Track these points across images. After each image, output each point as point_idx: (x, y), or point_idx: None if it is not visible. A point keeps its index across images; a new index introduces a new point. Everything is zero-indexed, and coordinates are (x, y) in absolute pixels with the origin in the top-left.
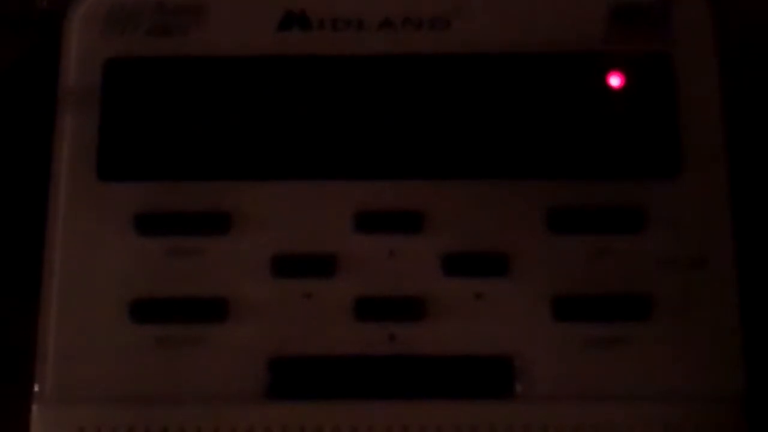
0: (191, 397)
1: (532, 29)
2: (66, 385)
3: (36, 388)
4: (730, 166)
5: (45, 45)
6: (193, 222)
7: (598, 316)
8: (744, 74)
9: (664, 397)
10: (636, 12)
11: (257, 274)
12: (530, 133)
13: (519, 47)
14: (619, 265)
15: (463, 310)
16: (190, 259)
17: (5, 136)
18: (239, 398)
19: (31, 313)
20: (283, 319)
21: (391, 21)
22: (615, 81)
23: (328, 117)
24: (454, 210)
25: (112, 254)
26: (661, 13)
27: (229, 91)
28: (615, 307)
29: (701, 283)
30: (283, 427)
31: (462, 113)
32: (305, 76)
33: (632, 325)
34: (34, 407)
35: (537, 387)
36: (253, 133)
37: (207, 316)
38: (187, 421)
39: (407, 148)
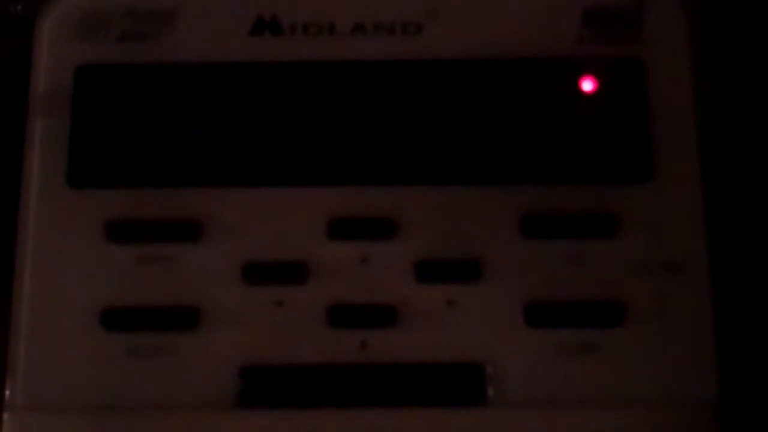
0: (162, 405)
1: (504, 34)
2: (37, 393)
3: (7, 395)
4: (703, 170)
5: (19, 51)
6: (164, 229)
7: (571, 322)
8: (717, 79)
9: (638, 404)
10: (609, 16)
11: (229, 282)
12: (503, 139)
13: (491, 52)
14: (592, 271)
15: (436, 317)
16: (161, 267)
17: None
18: (211, 407)
19: (1, 320)
20: (255, 327)
21: (363, 26)
22: (588, 86)
23: (300, 123)
24: (427, 216)
25: (82, 262)
26: (634, 17)
27: (201, 98)
28: (588, 313)
29: (675, 289)
30: None
31: (434, 119)
32: (277, 81)
33: (605, 331)
34: (5, 415)
35: (509, 394)
36: (225, 140)
37: (178, 324)
38: (158, 429)
39: (380, 155)
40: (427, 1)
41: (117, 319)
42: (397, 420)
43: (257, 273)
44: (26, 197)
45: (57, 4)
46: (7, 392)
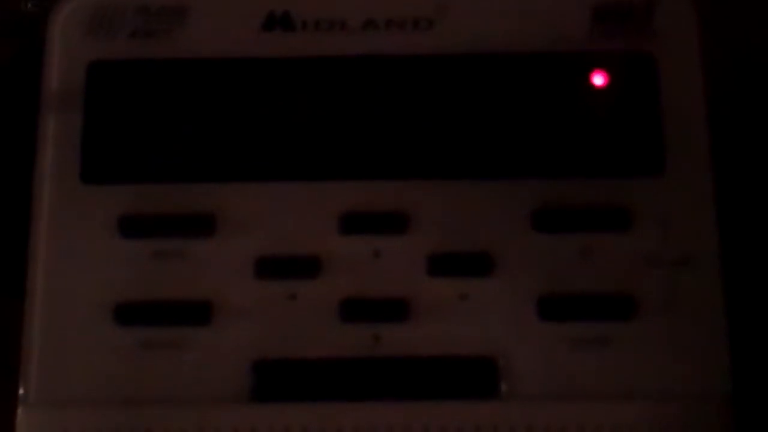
0: (176, 399)
1: (515, 29)
2: (51, 387)
3: (21, 391)
4: (714, 164)
5: (30, 48)
6: (177, 224)
7: (583, 315)
8: (727, 72)
9: (650, 397)
10: (619, 11)
11: (241, 276)
12: (514, 133)
13: (502, 47)
14: (604, 264)
15: (448, 311)
16: (174, 262)
17: None
18: (224, 401)
19: (17, 315)
20: (268, 321)
21: (374, 21)
22: (598, 80)
23: (312, 118)
24: (439, 210)
25: (95, 257)
26: (644, 12)
27: (213, 93)
28: (600, 306)
29: (686, 282)
30: (268, 429)
31: (446, 113)
32: (288, 77)
33: (617, 324)
34: (19, 410)
35: (522, 387)
36: (237, 135)
37: (191, 318)
38: (172, 424)
39: (391, 149)
40: None
41: (130, 313)
42: (409, 413)
43: (270, 267)
44: (39, 193)
45: (69, 1)
46: (21, 387)
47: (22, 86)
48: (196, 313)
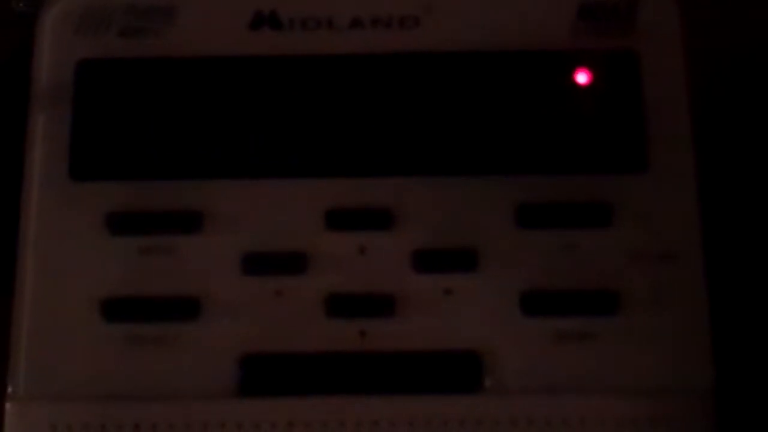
0: (163, 395)
1: (500, 27)
2: (38, 383)
3: (9, 387)
4: (697, 160)
5: (21, 47)
6: (164, 221)
7: (566, 310)
8: (711, 69)
9: (633, 391)
10: (603, 9)
11: (228, 273)
12: (499, 130)
13: (487, 45)
14: (587, 260)
15: (433, 306)
16: (161, 258)
17: None
18: (211, 395)
19: (4, 311)
20: (255, 316)
21: (360, 20)
22: (582, 78)
23: (298, 115)
24: (423, 206)
25: (84, 253)
26: (628, 10)
27: (201, 91)
28: (583, 301)
29: (669, 278)
30: (255, 423)
31: (431, 111)
32: (275, 75)
33: (601, 319)
34: (7, 405)
35: (506, 381)
36: (224, 132)
37: (179, 314)
38: (159, 418)
39: (377, 146)
40: None
41: (118, 309)
42: (395, 408)
43: (257, 263)
44: (28, 190)
45: (59, 0)
46: (9, 383)
47: (13, 83)
48: (184, 308)
